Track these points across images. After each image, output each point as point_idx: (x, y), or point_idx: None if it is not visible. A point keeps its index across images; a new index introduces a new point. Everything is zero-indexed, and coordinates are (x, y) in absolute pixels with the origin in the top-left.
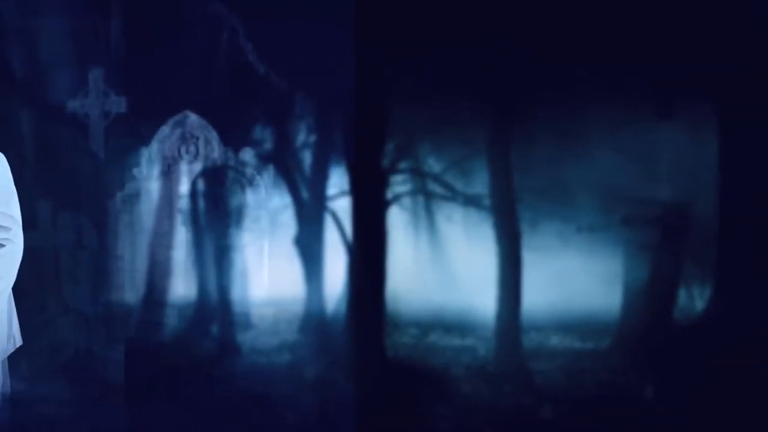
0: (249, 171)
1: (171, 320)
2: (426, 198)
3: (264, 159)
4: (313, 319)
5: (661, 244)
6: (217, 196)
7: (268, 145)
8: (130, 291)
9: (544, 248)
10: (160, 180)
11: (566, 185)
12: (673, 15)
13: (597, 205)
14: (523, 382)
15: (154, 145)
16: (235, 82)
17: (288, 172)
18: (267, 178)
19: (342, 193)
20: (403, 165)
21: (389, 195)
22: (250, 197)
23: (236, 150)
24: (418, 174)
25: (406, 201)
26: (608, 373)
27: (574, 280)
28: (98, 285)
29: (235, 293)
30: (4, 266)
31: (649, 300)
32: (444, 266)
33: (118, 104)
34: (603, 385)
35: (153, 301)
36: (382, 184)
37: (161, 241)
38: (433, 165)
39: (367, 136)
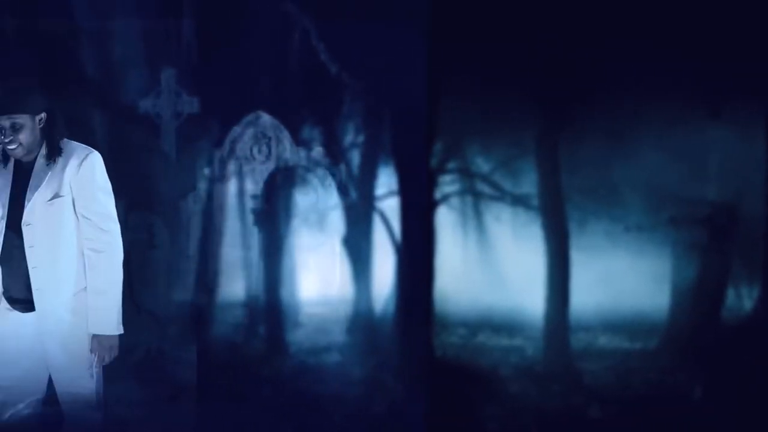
0: (321, 171)
1: (231, 320)
2: (474, 198)
3: (334, 158)
4: (362, 319)
5: (709, 243)
6: (288, 197)
7: (336, 145)
8: (201, 291)
9: (592, 248)
10: (232, 180)
11: (614, 185)
12: (722, 15)
13: (645, 205)
14: (572, 382)
15: (226, 145)
16: (306, 82)
17: (338, 172)
18: (339, 178)
19: (390, 193)
20: (451, 165)
21: (438, 195)
22: (314, 197)
23: (309, 149)
24: (467, 174)
25: (455, 201)
26: (656, 373)
27: (622, 279)
28: (170, 285)
29: (287, 293)
30: (110, 271)
31: (697, 300)
32: (492, 266)
33: (190, 104)
34: (651, 385)
35: (219, 300)
36: (431, 184)
37: (230, 241)
38: (482, 165)
39: (416, 136)
